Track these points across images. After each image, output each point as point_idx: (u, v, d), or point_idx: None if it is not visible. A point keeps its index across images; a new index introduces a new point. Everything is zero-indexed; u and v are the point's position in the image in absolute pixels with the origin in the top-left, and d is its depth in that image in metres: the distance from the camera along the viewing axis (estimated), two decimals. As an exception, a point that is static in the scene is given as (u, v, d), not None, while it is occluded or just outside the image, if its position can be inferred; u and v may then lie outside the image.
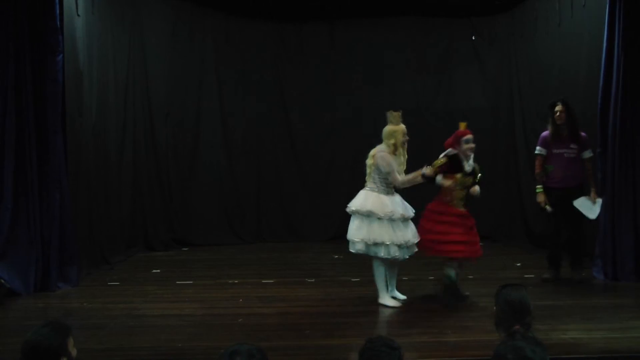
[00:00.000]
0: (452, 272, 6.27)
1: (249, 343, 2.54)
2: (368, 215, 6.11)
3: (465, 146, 6.19)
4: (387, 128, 6.22)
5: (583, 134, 6.97)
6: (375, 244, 6.12)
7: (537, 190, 7.07)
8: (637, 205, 7.09)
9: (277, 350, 4.94)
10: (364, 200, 6.20)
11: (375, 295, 6.30)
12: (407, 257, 6.30)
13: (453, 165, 6.19)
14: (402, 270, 7.64)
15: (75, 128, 7.38)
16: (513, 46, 9.97)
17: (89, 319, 5.81)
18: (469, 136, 6.21)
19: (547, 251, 7.24)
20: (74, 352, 2.90)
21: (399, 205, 6.21)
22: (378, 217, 6.09)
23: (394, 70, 10.30)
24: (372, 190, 6.22)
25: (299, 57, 10.28)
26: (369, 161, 6.25)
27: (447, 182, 6.15)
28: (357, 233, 6.17)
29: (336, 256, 8.78)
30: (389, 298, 6.31)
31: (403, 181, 6.17)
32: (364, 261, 8.42)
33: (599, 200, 6.91)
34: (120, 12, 8.92)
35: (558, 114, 6.90)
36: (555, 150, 6.97)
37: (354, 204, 6.22)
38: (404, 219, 6.18)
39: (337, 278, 7.31)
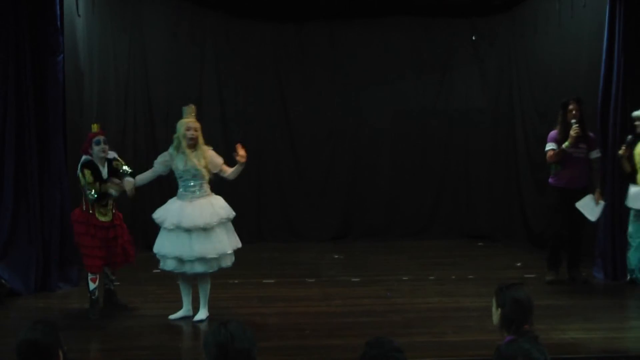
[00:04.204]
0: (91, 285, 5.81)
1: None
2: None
3: (96, 148, 5.82)
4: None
5: (591, 134, 6.96)
6: (157, 253, 5.73)
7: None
8: (637, 205, 7.09)
9: (277, 350, 4.95)
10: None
11: (375, 295, 6.30)
12: (200, 271, 5.63)
13: (94, 173, 5.78)
14: (401, 269, 7.67)
15: (75, 128, 7.37)
16: (513, 46, 9.96)
17: (89, 319, 5.81)
18: (99, 137, 5.86)
19: (547, 252, 7.22)
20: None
21: (182, 212, 5.59)
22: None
23: (393, 70, 10.27)
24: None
25: (299, 57, 10.27)
26: None
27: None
28: None
29: (336, 256, 8.77)
30: (180, 312, 5.81)
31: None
32: (364, 261, 8.49)
33: (602, 203, 6.82)
34: (121, 12, 8.93)
35: (574, 112, 6.81)
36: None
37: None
38: (185, 229, 5.51)
39: (337, 278, 7.31)
